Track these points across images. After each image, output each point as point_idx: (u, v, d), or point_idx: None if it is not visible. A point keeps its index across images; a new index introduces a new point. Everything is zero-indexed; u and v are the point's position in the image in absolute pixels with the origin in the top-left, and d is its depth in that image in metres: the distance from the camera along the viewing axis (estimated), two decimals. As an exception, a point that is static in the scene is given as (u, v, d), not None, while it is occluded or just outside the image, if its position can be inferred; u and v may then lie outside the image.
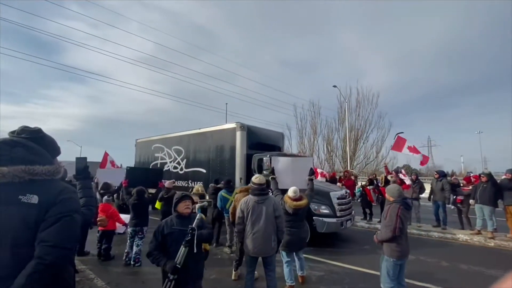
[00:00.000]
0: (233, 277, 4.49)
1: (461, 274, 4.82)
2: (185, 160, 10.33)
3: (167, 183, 8.07)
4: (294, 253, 4.29)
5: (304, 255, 4.59)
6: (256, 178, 3.61)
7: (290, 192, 4.05)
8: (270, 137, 9.83)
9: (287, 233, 3.92)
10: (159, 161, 11.70)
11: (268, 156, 7.56)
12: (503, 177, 7.21)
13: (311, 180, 4.65)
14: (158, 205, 7.68)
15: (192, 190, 7.77)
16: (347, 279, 4.63)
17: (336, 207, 6.33)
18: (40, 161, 1.35)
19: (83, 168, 1.92)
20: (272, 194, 4.37)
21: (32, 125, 1.51)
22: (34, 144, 1.39)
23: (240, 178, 8.30)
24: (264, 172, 7.21)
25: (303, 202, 4.07)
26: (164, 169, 10.77)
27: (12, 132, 1.42)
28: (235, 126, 8.60)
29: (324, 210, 6.25)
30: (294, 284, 4.05)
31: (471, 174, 10.33)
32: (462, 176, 13.92)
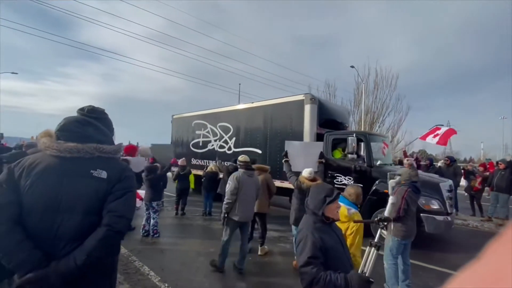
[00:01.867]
0: (259, 252, 4.86)
1: (465, 257, 4.75)
2: (233, 139, 9.07)
3: (180, 161, 8.38)
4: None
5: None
6: (241, 157, 4.50)
7: (306, 173, 4.34)
8: (339, 113, 8.41)
9: (299, 209, 4.23)
10: (200, 139, 10.55)
11: (353, 135, 6.09)
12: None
13: (321, 163, 5.19)
14: (176, 183, 8.05)
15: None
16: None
17: (447, 201, 5.41)
18: (106, 140, 1.51)
19: None
20: (287, 175, 4.80)
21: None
22: (101, 124, 1.54)
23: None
24: (349, 155, 6.05)
25: (319, 182, 4.30)
26: (207, 149, 10.11)
27: (81, 110, 1.55)
28: (304, 98, 7.12)
29: (435, 205, 5.27)
30: None
31: (489, 161, 10.08)
32: (479, 163, 13.56)
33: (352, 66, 21.93)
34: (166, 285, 3.62)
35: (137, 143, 12.72)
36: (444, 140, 8.05)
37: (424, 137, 8.46)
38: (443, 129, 8.16)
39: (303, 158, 5.12)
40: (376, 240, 2.70)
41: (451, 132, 8.15)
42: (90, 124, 1.48)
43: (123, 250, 4.86)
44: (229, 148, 9.20)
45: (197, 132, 10.65)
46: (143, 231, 5.66)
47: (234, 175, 4.16)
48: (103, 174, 1.40)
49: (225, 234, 4.08)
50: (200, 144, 10.48)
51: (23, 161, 1.38)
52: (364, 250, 2.69)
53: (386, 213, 3.22)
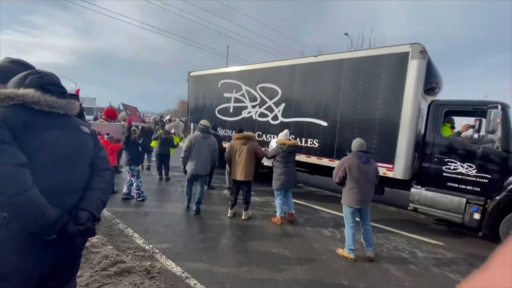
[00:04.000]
0: (228, 215, 4.99)
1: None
2: (282, 105, 6.97)
3: (167, 126, 8.14)
4: (285, 192, 4.99)
5: (294, 200, 5.05)
6: (203, 121, 5.31)
7: (283, 136, 5.03)
8: (440, 77, 6.04)
9: (284, 173, 4.84)
10: (231, 104, 8.26)
11: (498, 107, 4.34)
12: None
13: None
14: (154, 144, 7.85)
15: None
16: (331, 223, 5.08)
17: None
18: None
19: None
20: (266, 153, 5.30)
21: (17, 55, 1.61)
22: None
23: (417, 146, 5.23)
24: (488, 135, 4.47)
25: (297, 142, 5.42)
26: (241, 116, 7.97)
27: (26, 65, 1.58)
28: (409, 50, 4.79)
29: None
30: (283, 215, 4.92)
31: None
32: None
33: (346, 34, 21.23)
34: (151, 246, 3.77)
35: (119, 105, 11.87)
36: None
37: None
38: None
39: None
40: None
41: None
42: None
43: (105, 212, 4.82)
44: (275, 118, 7.15)
45: (226, 95, 8.40)
46: (122, 194, 5.67)
47: (188, 136, 5.27)
48: (87, 130, 1.52)
49: (186, 181, 5.28)
50: (231, 110, 8.29)
51: (14, 117, 1.21)
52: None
53: None
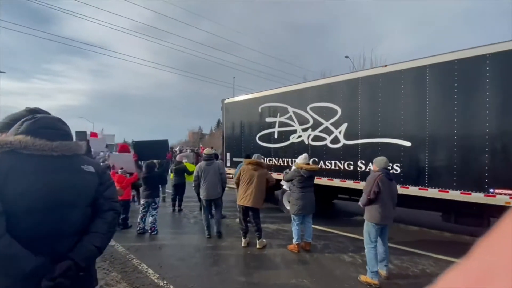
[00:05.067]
0: (242, 244, 4.91)
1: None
2: (344, 125, 6.02)
3: (178, 157, 8.30)
4: (303, 218, 4.80)
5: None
6: (206, 150, 6.04)
7: (301, 160, 4.88)
8: None
9: (301, 198, 4.70)
10: (275, 129, 7.46)
11: None
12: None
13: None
14: (172, 176, 8.01)
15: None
16: (351, 247, 4.85)
17: None
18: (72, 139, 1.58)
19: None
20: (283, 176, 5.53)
21: (43, 101, 1.71)
22: None
23: None
24: None
25: (316, 166, 5.31)
26: (289, 142, 7.14)
27: (38, 110, 1.64)
28: None
29: None
30: (300, 242, 4.70)
31: None
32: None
33: (347, 56, 21.77)
34: (165, 282, 3.67)
35: (132, 140, 12.33)
36: None
37: None
38: None
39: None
40: None
41: None
42: (65, 123, 1.51)
43: (120, 248, 4.80)
44: (335, 140, 6.15)
45: (269, 119, 7.66)
46: (138, 229, 5.60)
47: (196, 166, 5.81)
48: (91, 169, 1.47)
49: (202, 209, 5.58)
50: (275, 135, 7.48)
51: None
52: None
53: None
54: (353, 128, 5.89)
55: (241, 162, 7.77)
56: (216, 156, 8.13)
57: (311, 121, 6.66)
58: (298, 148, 6.82)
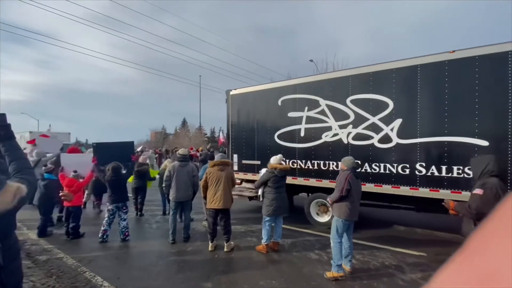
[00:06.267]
0: (209, 248, 4.71)
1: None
2: (397, 121, 5.10)
3: (140, 158, 7.74)
4: (276, 219, 4.78)
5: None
6: (180, 150, 5.76)
7: (276, 160, 4.86)
8: None
9: (276, 198, 4.67)
10: (302, 126, 6.33)
11: None
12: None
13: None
14: (130, 179, 7.46)
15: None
16: (317, 244, 4.97)
17: None
18: None
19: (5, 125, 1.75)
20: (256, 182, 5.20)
21: None
22: None
23: None
24: None
25: (288, 166, 5.49)
26: (321, 141, 6.05)
27: None
28: None
29: None
30: (269, 243, 4.68)
31: None
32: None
33: (311, 60, 22.57)
34: None
35: (86, 140, 10.86)
36: None
37: None
38: None
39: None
40: None
41: None
42: None
43: (70, 261, 4.29)
44: (386, 139, 5.21)
45: (292, 114, 6.48)
46: (105, 236, 5.12)
47: (169, 165, 5.55)
48: None
49: (170, 211, 5.31)
50: (302, 133, 6.32)
51: None
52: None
53: None
54: (409, 124, 5.00)
55: (253, 165, 7.19)
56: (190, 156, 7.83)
57: (352, 116, 5.61)
58: (334, 148, 5.84)
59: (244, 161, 7.42)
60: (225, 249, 4.69)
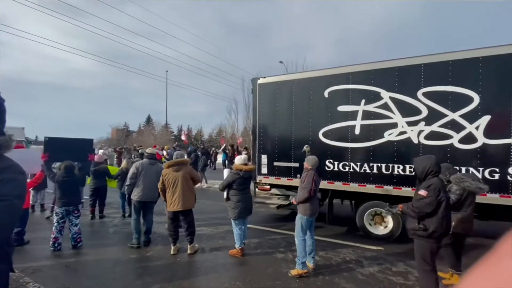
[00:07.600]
0: (172, 252, 4.60)
1: None
2: (484, 118, 4.41)
3: (96, 157, 7.17)
4: (243, 221, 4.67)
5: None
6: (149, 149, 5.68)
7: (241, 161, 4.65)
8: None
9: (242, 200, 4.55)
10: (357, 122, 5.39)
11: None
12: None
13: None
14: (89, 181, 6.87)
15: None
16: (283, 243, 5.01)
17: None
18: None
19: None
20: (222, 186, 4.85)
21: None
22: None
23: None
24: None
25: (253, 166, 5.47)
26: (383, 140, 5.15)
27: None
28: None
29: None
30: (243, 246, 4.57)
31: None
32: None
33: (281, 62, 22.98)
34: None
35: (45, 137, 9.72)
36: None
37: None
38: None
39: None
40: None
41: None
42: None
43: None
44: (469, 139, 4.50)
45: (343, 108, 5.53)
46: (56, 244, 4.63)
47: (135, 163, 5.17)
48: None
49: (132, 213, 5.03)
50: (356, 131, 5.40)
51: None
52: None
53: None
54: (501, 122, 4.32)
55: (289, 168, 6.16)
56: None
57: (425, 112, 4.81)
58: (401, 149, 5.00)
59: (276, 163, 6.36)
60: (189, 251, 4.52)
